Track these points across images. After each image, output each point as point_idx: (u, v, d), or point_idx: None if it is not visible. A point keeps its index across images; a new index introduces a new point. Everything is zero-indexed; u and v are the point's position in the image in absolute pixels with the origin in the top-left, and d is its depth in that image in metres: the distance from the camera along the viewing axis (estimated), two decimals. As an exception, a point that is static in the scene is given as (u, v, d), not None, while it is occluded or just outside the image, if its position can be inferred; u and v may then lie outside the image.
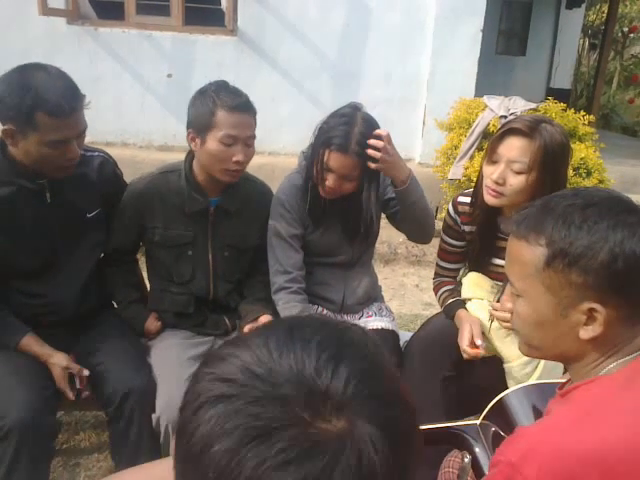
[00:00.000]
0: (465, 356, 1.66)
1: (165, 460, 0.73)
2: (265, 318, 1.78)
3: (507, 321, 1.60)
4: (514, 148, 1.57)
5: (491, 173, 1.61)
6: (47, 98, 1.45)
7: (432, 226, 1.89)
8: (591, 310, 0.85)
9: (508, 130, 1.59)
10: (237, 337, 0.57)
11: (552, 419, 0.89)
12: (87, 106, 1.56)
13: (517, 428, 0.89)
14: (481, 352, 1.65)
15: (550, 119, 1.64)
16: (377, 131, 1.68)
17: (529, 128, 1.56)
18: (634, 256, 0.82)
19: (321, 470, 0.44)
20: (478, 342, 1.64)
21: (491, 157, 1.62)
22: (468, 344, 1.64)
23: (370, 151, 1.66)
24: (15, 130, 1.48)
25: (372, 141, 1.66)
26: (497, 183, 1.60)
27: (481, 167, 1.70)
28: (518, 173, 1.57)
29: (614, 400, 0.83)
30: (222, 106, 1.63)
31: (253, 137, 1.71)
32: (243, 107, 1.66)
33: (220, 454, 0.46)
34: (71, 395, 1.64)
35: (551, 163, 1.56)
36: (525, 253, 0.91)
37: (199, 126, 1.66)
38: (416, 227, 1.88)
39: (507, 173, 1.59)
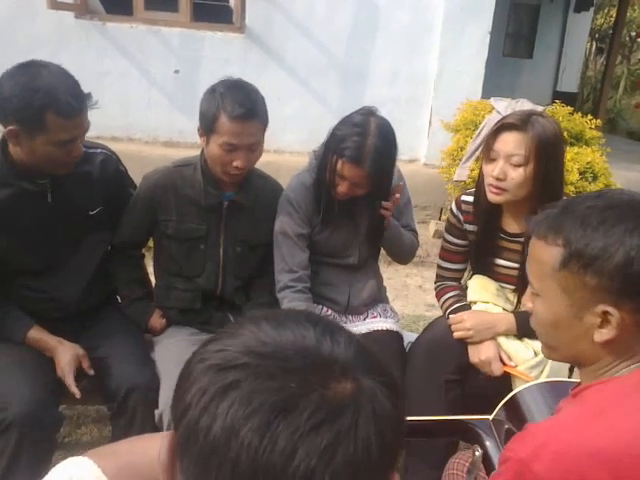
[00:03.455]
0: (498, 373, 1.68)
1: (162, 434, 0.72)
2: None
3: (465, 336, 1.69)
4: (510, 142, 1.60)
5: (491, 170, 1.64)
6: (58, 98, 1.44)
7: (409, 257, 2.06)
8: (605, 313, 0.84)
9: (501, 126, 1.63)
10: (217, 335, 0.57)
11: (562, 417, 0.89)
12: (95, 106, 1.54)
13: (526, 425, 0.89)
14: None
15: (541, 112, 1.68)
16: (396, 195, 1.78)
17: (521, 121, 1.60)
18: None
19: (349, 425, 0.48)
20: (512, 364, 1.68)
21: (489, 155, 1.65)
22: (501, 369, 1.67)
23: (383, 211, 1.79)
24: (20, 130, 1.47)
25: (386, 205, 1.78)
26: (498, 179, 1.62)
27: (481, 168, 1.72)
28: (517, 166, 1.60)
29: (625, 401, 0.83)
30: (225, 113, 1.59)
31: (258, 143, 1.68)
32: (246, 116, 1.60)
33: (251, 435, 0.47)
34: (75, 389, 1.61)
35: (546, 152, 1.59)
36: (543, 253, 0.91)
37: (204, 126, 1.66)
38: (392, 254, 2.05)
39: (507, 167, 1.61)
